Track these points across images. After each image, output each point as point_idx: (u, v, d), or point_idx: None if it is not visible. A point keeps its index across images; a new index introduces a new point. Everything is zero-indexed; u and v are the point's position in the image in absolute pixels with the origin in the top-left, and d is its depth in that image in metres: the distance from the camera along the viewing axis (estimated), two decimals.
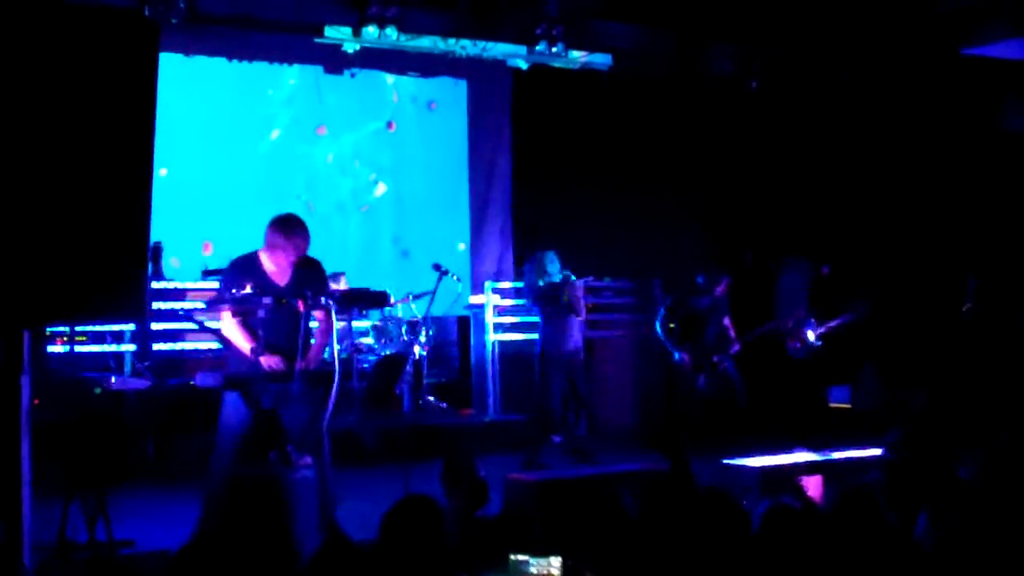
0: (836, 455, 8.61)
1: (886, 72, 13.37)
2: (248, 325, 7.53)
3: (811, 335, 11.32)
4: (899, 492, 5.56)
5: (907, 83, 13.40)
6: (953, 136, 13.56)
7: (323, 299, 7.90)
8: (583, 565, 4.85)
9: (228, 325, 7.56)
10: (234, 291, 7.39)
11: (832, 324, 11.30)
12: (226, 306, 7.46)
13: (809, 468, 8.31)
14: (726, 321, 11.33)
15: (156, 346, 11.17)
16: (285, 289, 7.54)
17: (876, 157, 13.86)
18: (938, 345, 11.87)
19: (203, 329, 8.37)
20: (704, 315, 11.29)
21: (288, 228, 7.59)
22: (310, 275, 7.71)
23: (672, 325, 11.28)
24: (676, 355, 11.13)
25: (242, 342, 7.47)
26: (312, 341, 7.79)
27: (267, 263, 7.61)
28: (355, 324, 11.72)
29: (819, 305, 11.31)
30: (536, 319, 11.03)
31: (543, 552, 5.07)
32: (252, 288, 7.37)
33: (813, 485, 8.04)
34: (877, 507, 5.17)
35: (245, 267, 7.61)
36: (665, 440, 10.52)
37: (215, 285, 8.99)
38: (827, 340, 11.33)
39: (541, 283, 10.61)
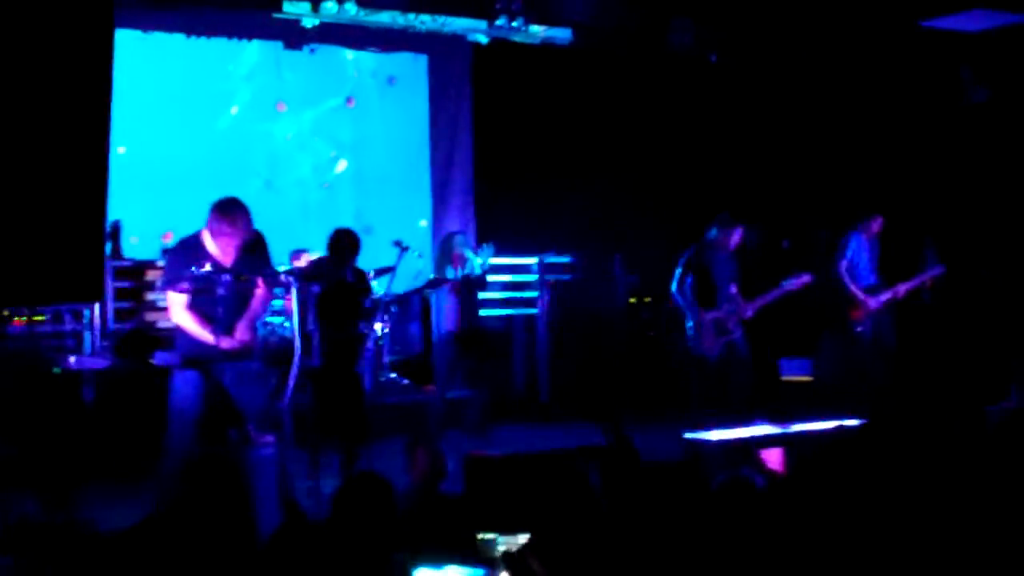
0: (797, 427, 8.62)
1: (845, 44, 13.38)
2: (200, 308, 7.43)
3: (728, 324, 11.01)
4: (869, 462, 5.57)
5: (866, 55, 13.41)
6: (913, 109, 13.60)
7: (283, 276, 7.88)
8: (531, 551, 4.84)
9: (179, 311, 7.47)
10: (194, 268, 7.33)
11: (769, 296, 11.07)
12: (184, 284, 7.40)
13: (770, 441, 8.33)
14: (733, 286, 10.97)
15: (115, 325, 11.09)
16: (234, 268, 7.46)
17: (836, 130, 13.89)
18: (900, 316, 11.94)
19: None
20: (719, 274, 10.91)
21: (230, 213, 7.49)
22: (256, 251, 7.64)
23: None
24: (692, 319, 10.84)
25: (197, 328, 7.40)
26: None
27: (210, 245, 7.52)
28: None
29: (771, 279, 11.24)
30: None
31: (509, 530, 5.07)
32: (209, 265, 7.31)
33: (774, 458, 8.06)
34: (840, 475, 5.19)
35: (191, 248, 7.53)
36: (605, 413, 10.50)
37: None
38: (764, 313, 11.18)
39: (452, 275, 10.59)
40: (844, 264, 11.72)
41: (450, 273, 10.62)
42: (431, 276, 12.26)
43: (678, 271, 10.88)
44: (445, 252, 10.74)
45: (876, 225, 11.83)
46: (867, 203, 12.52)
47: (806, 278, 10.98)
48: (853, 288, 11.66)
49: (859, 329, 11.62)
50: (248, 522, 6.03)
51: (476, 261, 10.60)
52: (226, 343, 7.39)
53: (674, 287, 10.89)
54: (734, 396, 10.69)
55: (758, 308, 10.98)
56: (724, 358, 10.85)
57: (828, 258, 11.87)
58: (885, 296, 11.70)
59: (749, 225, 11.35)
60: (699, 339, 10.86)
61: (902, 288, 11.74)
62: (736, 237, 10.94)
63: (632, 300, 12.15)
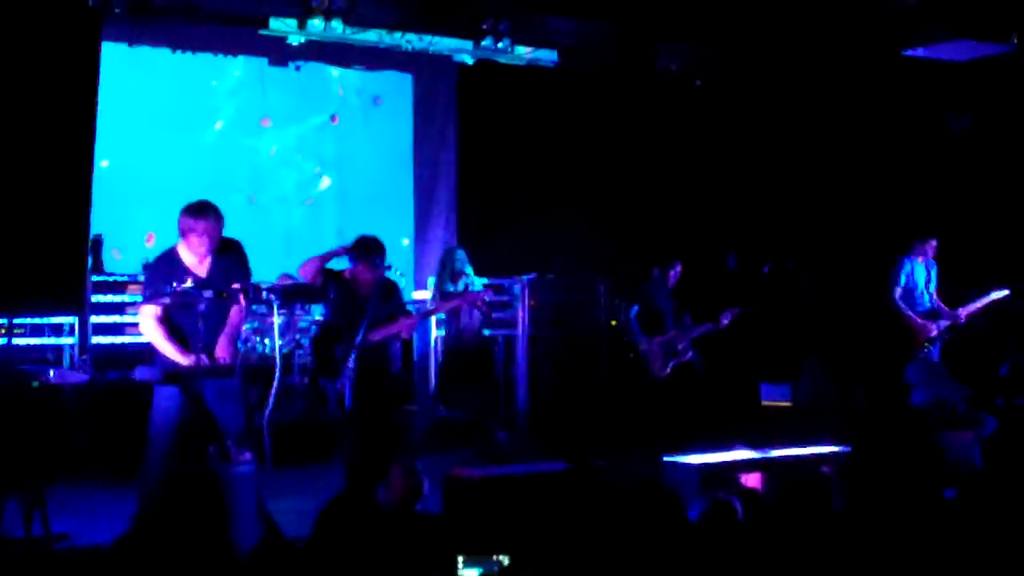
0: (777, 452, 8.65)
1: (830, 72, 13.46)
2: (181, 324, 7.41)
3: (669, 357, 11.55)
4: (856, 487, 5.57)
5: (851, 83, 13.48)
6: (896, 136, 13.68)
7: (265, 293, 7.88)
8: (522, 565, 4.85)
9: (150, 325, 7.44)
10: (175, 283, 7.32)
11: (703, 329, 11.62)
12: (166, 299, 7.38)
13: (750, 466, 8.35)
14: (686, 318, 11.58)
15: (96, 339, 11.07)
16: (208, 279, 7.44)
17: (819, 156, 13.95)
18: (881, 341, 11.96)
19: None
20: (664, 307, 11.54)
21: (196, 211, 7.47)
22: (231, 261, 7.61)
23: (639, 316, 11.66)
24: (643, 345, 11.30)
25: (167, 345, 7.37)
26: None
27: (186, 256, 7.50)
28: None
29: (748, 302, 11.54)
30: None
31: (488, 552, 5.07)
32: (191, 280, 7.29)
33: (753, 483, 8.08)
34: (824, 500, 5.20)
35: (166, 263, 7.51)
36: (566, 437, 10.59)
37: None
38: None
39: (452, 287, 10.68)
40: (899, 291, 11.62)
41: (450, 288, 10.68)
42: (411, 295, 12.34)
43: (635, 307, 11.77)
44: (446, 267, 10.82)
45: (931, 248, 11.75)
46: (847, 228, 12.62)
47: (735, 311, 11.41)
48: (910, 315, 11.58)
49: (922, 355, 11.59)
50: (227, 539, 6.04)
51: (476, 279, 10.74)
52: (202, 359, 7.34)
53: (632, 316, 11.70)
54: (698, 410, 10.99)
55: (700, 334, 11.74)
56: (678, 379, 11.44)
57: (799, 287, 12.00)
58: (945, 322, 11.63)
59: (730, 249, 11.52)
60: (648, 363, 11.54)
61: (963, 312, 11.66)
62: (674, 275, 11.81)
63: (614, 323, 12.16)
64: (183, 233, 7.47)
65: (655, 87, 14.03)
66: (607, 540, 5.15)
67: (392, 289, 8.91)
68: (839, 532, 5.05)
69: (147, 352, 7.74)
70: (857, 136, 13.73)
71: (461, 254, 10.97)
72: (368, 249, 8.77)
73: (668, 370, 11.51)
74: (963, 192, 13.20)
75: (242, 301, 7.57)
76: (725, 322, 11.59)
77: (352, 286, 8.73)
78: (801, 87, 13.84)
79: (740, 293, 12.34)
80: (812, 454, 8.58)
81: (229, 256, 7.61)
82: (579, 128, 14.10)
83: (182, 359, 7.32)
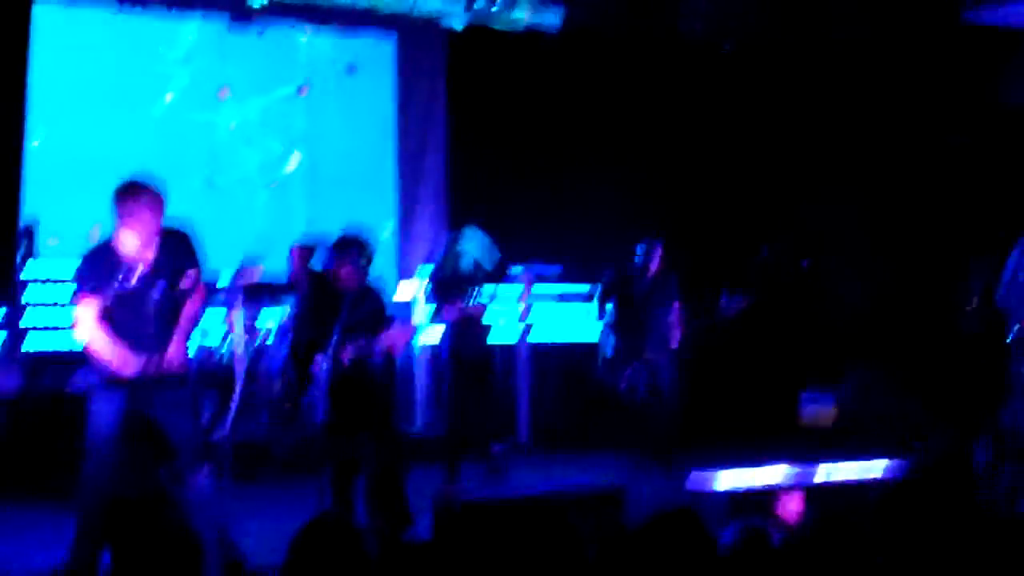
0: (820, 470, 8.60)
1: (879, 37, 13.41)
2: (125, 326, 7.23)
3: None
4: (902, 521, 5.51)
5: (903, 49, 13.44)
6: (951, 109, 13.63)
7: (224, 291, 7.76)
8: None
9: (89, 325, 7.23)
10: (120, 277, 7.17)
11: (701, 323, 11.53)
12: (107, 292, 7.22)
13: (787, 487, 8.30)
14: (673, 308, 11.45)
15: (27, 341, 11.01)
16: (152, 273, 7.26)
17: (865, 132, 13.90)
18: (938, 348, 11.92)
19: None
20: (640, 299, 11.44)
21: (129, 192, 7.28)
22: (179, 252, 7.44)
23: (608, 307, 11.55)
24: (607, 343, 11.39)
25: (109, 349, 7.17)
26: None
27: (124, 246, 7.29)
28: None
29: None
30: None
31: None
32: (136, 278, 7.12)
33: (791, 506, 8.03)
34: (859, 537, 5.13)
35: (102, 257, 7.31)
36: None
37: None
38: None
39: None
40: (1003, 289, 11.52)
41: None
42: (394, 290, 12.26)
43: (597, 291, 11.69)
44: (450, 257, 10.79)
45: None
46: (896, 216, 12.56)
47: (741, 301, 11.27)
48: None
49: None
50: (181, 572, 5.94)
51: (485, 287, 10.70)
52: (151, 366, 7.19)
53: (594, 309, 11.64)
54: (652, 432, 10.99)
55: (688, 335, 11.64)
56: (635, 388, 11.36)
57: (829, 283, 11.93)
58: None
59: (763, 239, 11.45)
60: (609, 368, 11.44)
61: None
62: (655, 261, 11.55)
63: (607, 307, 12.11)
64: (121, 223, 7.26)
65: (676, 53, 13.97)
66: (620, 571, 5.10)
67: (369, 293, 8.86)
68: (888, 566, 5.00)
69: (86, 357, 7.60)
70: (910, 111, 13.68)
71: (476, 243, 10.85)
72: (358, 248, 8.76)
73: (633, 382, 11.41)
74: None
75: (201, 292, 7.43)
76: (730, 311, 11.49)
77: (333, 289, 8.65)
78: (846, 55, 13.78)
79: (774, 290, 12.27)
80: (858, 473, 8.54)
81: (177, 246, 7.44)
82: (586, 102, 14.05)
83: (131, 363, 7.14)
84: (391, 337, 8.61)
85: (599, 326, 11.68)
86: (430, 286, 10.87)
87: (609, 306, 11.58)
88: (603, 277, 11.72)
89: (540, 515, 5.41)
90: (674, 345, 11.45)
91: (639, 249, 11.57)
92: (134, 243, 7.25)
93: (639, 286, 11.47)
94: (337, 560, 4.74)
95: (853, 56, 13.75)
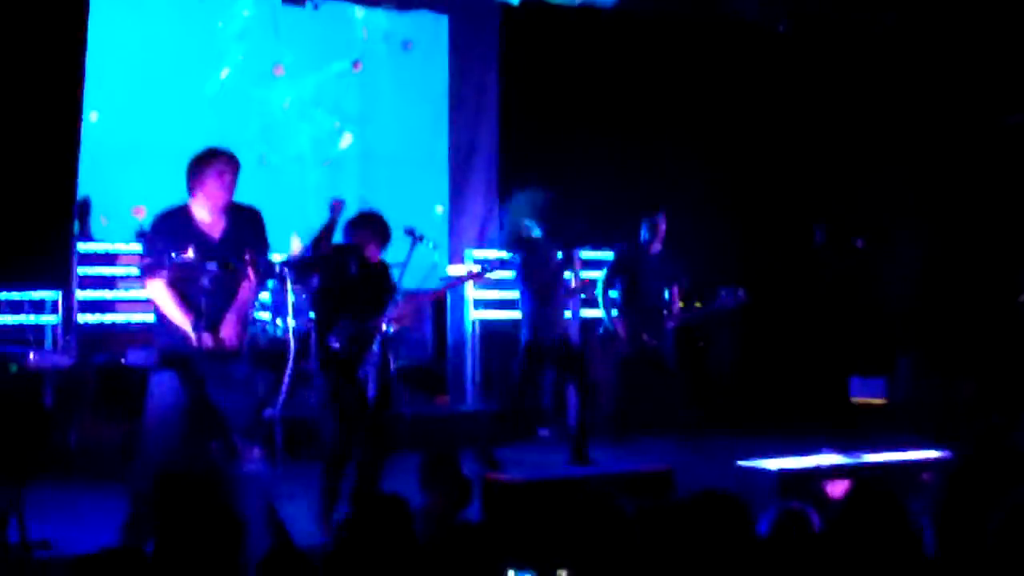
0: (868, 457, 8.60)
1: (939, 15, 13.31)
2: (184, 294, 7.34)
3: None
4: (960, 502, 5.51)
5: (956, 27, 13.34)
6: (1009, 88, 13.52)
7: (277, 266, 7.85)
8: None
9: (161, 294, 7.36)
10: (173, 255, 7.27)
11: (700, 312, 11.50)
12: (163, 272, 7.33)
13: (836, 472, 8.31)
14: (673, 289, 11.54)
15: (81, 317, 11.12)
16: (221, 245, 7.38)
17: (920, 112, 13.82)
18: (991, 329, 11.86)
19: None
20: (647, 275, 11.47)
21: (209, 154, 7.43)
22: (247, 229, 7.56)
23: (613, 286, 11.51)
24: (606, 322, 11.35)
25: (179, 316, 7.30)
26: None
27: (200, 213, 7.43)
28: None
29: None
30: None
31: (541, 563, 5.05)
32: (192, 249, 7.22)
33: (839, 492, 8.04)
34: (900, 514, 5.14)
35: (175, 221, 7.42)
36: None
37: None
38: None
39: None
40: None
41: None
42: (446, 271, 12.29)
43: (604, 272, 11.53)
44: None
45: None
46: (953, 200, 12.50)
47: (742, 296, 11.26)
48: None
49: None
50: (232, 548, 6.04)
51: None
52: (208, 340, 7.31)
53: (598, 286, 11.46)
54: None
55: (683, 322, 11.68)
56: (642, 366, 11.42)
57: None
58: None
59: (816, 221, 11.39)
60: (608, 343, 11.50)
61: None
62: (662, 229, 11.49)
63: (681, 304, 12.11)
64: (197, 183, 7.39)
65: (730, 33, 13.92)
66: (664, 554, 5.14)
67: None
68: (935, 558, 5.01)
69: (141, 332, 7.73)
70: (972, 90, 13.57)
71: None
72: (383, 227, 8.85)
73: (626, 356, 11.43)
74: None
75: (251, 275, 7.52)
76: (730, 304, 11.51)
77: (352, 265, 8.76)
78: (900, 34, 13.69)
79: (827, 272, 12.24)
80: (909, 460, 8.53)
81: (245, 222, 7.56)
82: (641, 80, 14.02)
83: (192, 333, 7.24)
84: (400, 312, 8.71)
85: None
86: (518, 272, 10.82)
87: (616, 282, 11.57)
88: (614, 252, 11.72)
89: (587, 495, 5.47)
90: (670, 325, 11.47)
91: (644, 224, 11.55)
92: (210, 210, 7.39)
93: (644, 262, 11.47)
94: (385, 541, 4.80)
95: (907, 35, 13.66)
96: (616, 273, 11.47)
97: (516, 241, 10.76)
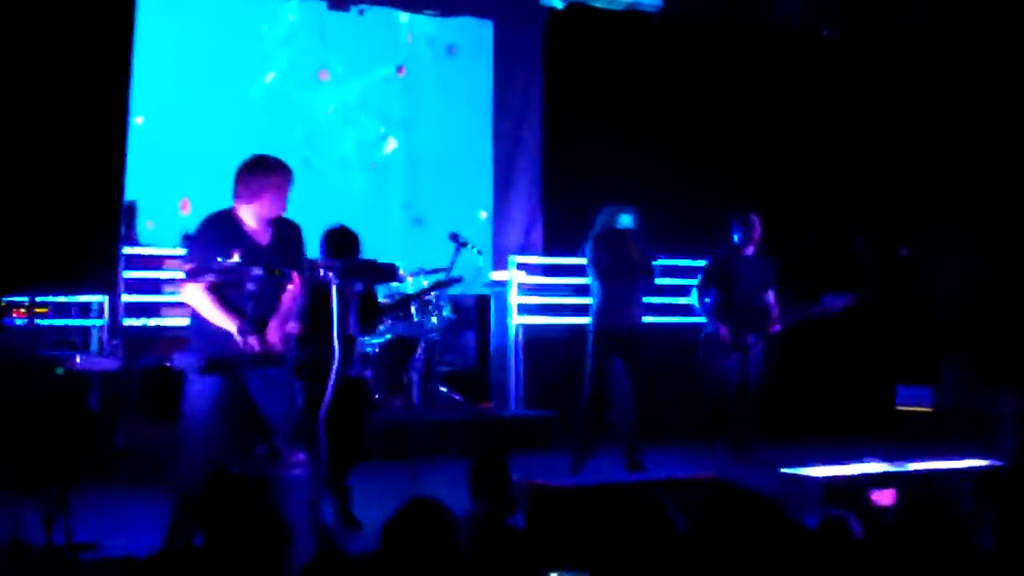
0: (914, 466, 8.57)
1: (983, 22, 13.25)
2: (226, 298, 7.35)
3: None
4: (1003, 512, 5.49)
5: (999, 32, 13.27)
6: None
7: (322, 270, 7.86)
8: None
9: (201, 298, 7.36)
10: (220, 259, 7.29)
11: (801, 314, 11.28)
12: (209, 276, 7.35)
13: (882, 480, 8.28)
14: (770, 293, 11.25)
15: (128, 321, 11.17)
16: (267, 251, 7.41)
17: (965, 118, 13.75)
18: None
19: None
20: (740, 279, 11.21)
21: (272, 164, 7.44)
22: (290, 240, 7.59)
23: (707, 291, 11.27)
24: (709, 328, 11.11)
25: (222, 319, 7.31)
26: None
27: (248, 219, 7.45)
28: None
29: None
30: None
31: (580, 569, 5.06)
32: (239, 254, 7.24)
33: (886, 500, 8.01)
34: (954, 524, 5.12)
35: (223, 225, 7.43)
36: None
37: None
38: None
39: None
40: None
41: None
42: (488, 276, 12.29)
43: (698, 279, 11.30)
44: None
45: None
46: (1001, 207, 12.43)
47: (846, 299, 11.00)
48: None
49: None
50: (277, 555, 6.07)
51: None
52: (255, 343, 7.32)
53: (694, 292, 11.29)
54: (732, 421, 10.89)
55: (787, 325, 11.26)
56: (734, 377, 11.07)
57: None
58: None
59: (858, 229, 11.33)
60: (709, 355, 11.16)
61: None
62: (754, 231, 11.18)
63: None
64: (254, 193, 7.38)
65: (775, 39, 13.88)
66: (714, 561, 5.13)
67: None
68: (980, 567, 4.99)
69: (186, 336, 7.74)
70: (1012, 95, 13.50)
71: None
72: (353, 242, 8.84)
73: (731, 367, 11.09)
74: None
75: (296, 280, 7.54)
76: (834, 306, 11.25)
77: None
78: (945, 40, 13.62)
79: (869, 280, 12.19)
80: (955, 468, 8.49)
81: (289, 234, 7.59)
82: (686, 85, 13.98)
83: (236, 331, 7.24)
84: None
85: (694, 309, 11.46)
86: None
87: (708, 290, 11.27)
88: (705, 262, 11.40)
89: (633, 502, 5.47)
90: (773, 330, 11.19)
91: (736, 227, 11.25)
92: (257, 220, 7.41)
93: (738, 265, 11.20)
94: (430, 546, 4.81)
95: (952, 41, 13.59)
96: (709, 278, 11.24)
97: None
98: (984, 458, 8.64)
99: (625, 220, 10.45)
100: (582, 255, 10.64)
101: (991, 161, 13.57)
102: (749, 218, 11.24)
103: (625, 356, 10.37)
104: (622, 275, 10.37)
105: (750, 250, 11.23)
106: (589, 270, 10.48)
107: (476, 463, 7.09)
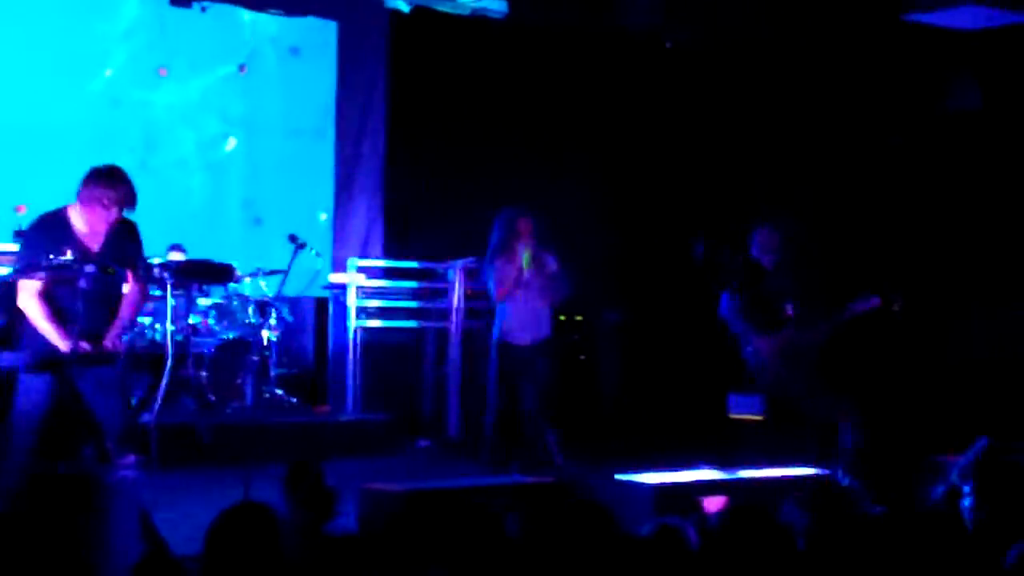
0: (746, 474, 8.69)
1: (819, 37, 13.49)
2: (54, 299, 7.28)
3: None
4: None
5: (843, 50, 13.53)
6: (892, 113, 13.75)
7: (157, 270, 7.80)
8: None
9: (29, 297, 7.30)
10: (51, 256, 7.21)
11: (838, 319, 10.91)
12: (40, 273, 7.28)
13: (713, 488, 8.38)
14: (790, 302, 10.47)
15: None
16: (100, 255, 7.34)
17: (806, 133, 13.99)
18: (867, 348, 12.01)
19: None
20: (771, 290, 10.47)
21: (112, 180, 7.39)
22: (126, 240, 7.53)
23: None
24: (751, 347, 10.42)
25: (45, 324, 7.24)
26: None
27: (79, 223, 7.39)
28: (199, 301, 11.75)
29: None
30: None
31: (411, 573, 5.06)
32: (70, 252, 7.17)
33: (716, 507, 8.12)
34: (774, 528, 5.22)
35: (53, 226, 7.38)
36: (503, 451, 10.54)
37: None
38: None
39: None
40: None
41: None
42: (328, 278, 12.25)
43: (734, 296, 10.48)
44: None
45: None
46: (833, 215, 12.65)
47: (875, 301, 10.49)
48: None
49: None
50: (102, 555, 5.99)
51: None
52: (84, 345, 7.26)
53: (730, 313, 10.50)
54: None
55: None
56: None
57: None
58: None
59: (698, 236, 11.44)
60: (761, 370, 10.54)
61: None
62: (771, 240, 10.48)
63: (561, 317, 12.14)
64: (89, 201, 7.33)
65: (620, 45, 14.02)
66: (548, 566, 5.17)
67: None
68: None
69: (13, 334, 7.63)
70: (851, 114, 13.77)
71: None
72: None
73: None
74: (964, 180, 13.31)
75: (131, 281, 7.48)
76: (860, 310, 10.62)
77: None
78: (783, 51, 13.83)
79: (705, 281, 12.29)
80: (785, 476, 8.63)
81: (125, 234, 7.52)
82: (532, 90, 14.07)
83: (62, 343, 7.20)
84: None
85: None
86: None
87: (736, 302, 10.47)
88: (732, 284, 10.50)
89: (464, 507, 5.49)
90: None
91: (756, 237, 10.49)
92: (91, 226, 7.33)
93: (765, 279, 10.44)
94: (253, 550, 4.79)
95: (792, 55, 13.81)
96: (732, 296, 10.41)
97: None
98: (813, 466, 8.82)
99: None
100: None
101: (826, 167, 13.82)
102: (760, 229, 10.56)
103: (530, 370, 10.45)
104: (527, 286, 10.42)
105: (769, 260, 10.47)
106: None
107: (288, 470, 7.05)
